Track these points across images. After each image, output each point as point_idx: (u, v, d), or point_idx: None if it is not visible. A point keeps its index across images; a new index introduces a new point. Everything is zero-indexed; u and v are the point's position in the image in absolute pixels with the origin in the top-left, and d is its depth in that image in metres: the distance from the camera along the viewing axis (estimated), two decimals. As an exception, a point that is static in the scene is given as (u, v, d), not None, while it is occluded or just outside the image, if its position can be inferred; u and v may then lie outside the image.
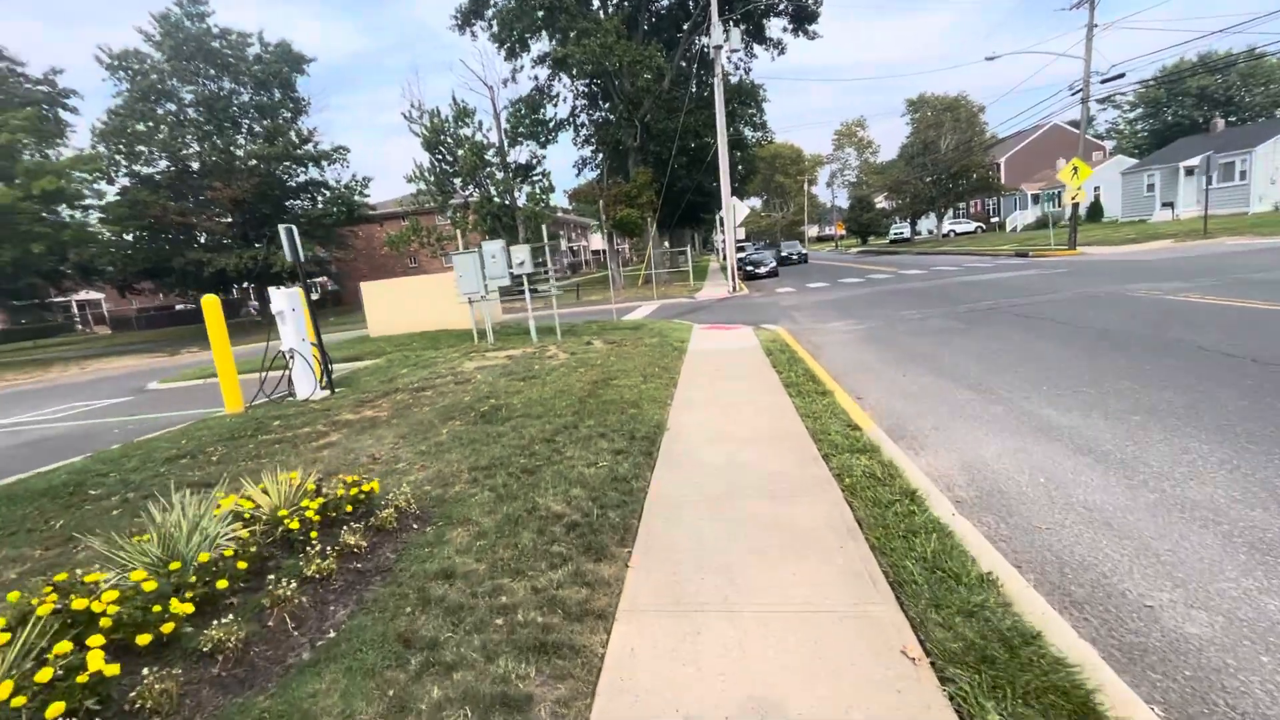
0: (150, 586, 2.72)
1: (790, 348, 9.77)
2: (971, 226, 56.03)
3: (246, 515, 3.54)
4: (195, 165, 28.79)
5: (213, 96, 27.92)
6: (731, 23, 28.77)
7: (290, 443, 6.04)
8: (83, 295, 49.34)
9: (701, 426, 5.83)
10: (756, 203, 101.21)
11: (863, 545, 3.34)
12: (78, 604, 2.57)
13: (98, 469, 5.62)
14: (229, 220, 28.24)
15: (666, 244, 44.36)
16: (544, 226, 11.34)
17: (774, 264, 31.79)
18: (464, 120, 27.37)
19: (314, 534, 3.39)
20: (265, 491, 3.72)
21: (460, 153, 27.12)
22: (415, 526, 3.91)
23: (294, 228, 7.99)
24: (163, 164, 28.17)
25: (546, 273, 11.60)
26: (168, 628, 2.59)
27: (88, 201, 24.50)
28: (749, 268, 31.03)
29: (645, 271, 29.06)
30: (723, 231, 47.28)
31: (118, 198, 26.00)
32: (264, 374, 8.19)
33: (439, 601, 3.00)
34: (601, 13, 30.04)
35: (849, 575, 3.07)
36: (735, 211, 24.55)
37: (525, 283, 11.47)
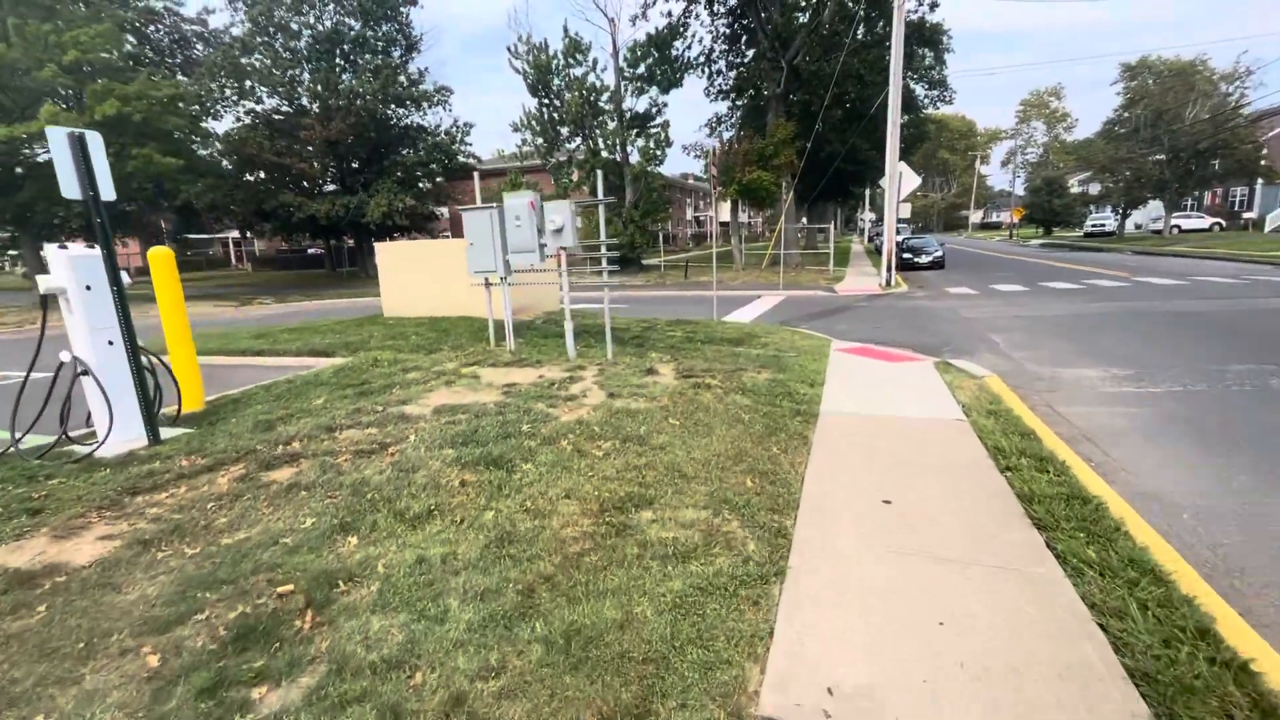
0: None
1: (1036, 439, 4.71)
2: (1206, 223, 43.65)
3: None
4: (306, 103, 27.45)
5: (321, 30, 26.14)
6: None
7: None
8: (235, 234, 52.60)
9: None
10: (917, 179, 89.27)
11: None
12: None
13: None
14: (326, 164, 26.67)
15: (804, 220, 38.22)
16: (599, 178, 6.98)
17: (939, 252, 25.12)
18: (575, 57, 23.40)
19: None
20: None
21: (568, 96, 23.25)
22: None
23: (87, 134, 4.25)
24: (272, 101, 27.17)
25: (602, 251, 7.23)
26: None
27: (198, 136, 23.83)
28: (906, 255, 24.65)
29: (773, 251, 23.80)
30: (869, 209, 39.89)
31: (224, 136, 25.33)
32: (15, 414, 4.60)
33: None
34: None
35: None
36: (902, 180, 18.57)
37: (562, 262, 7.18)
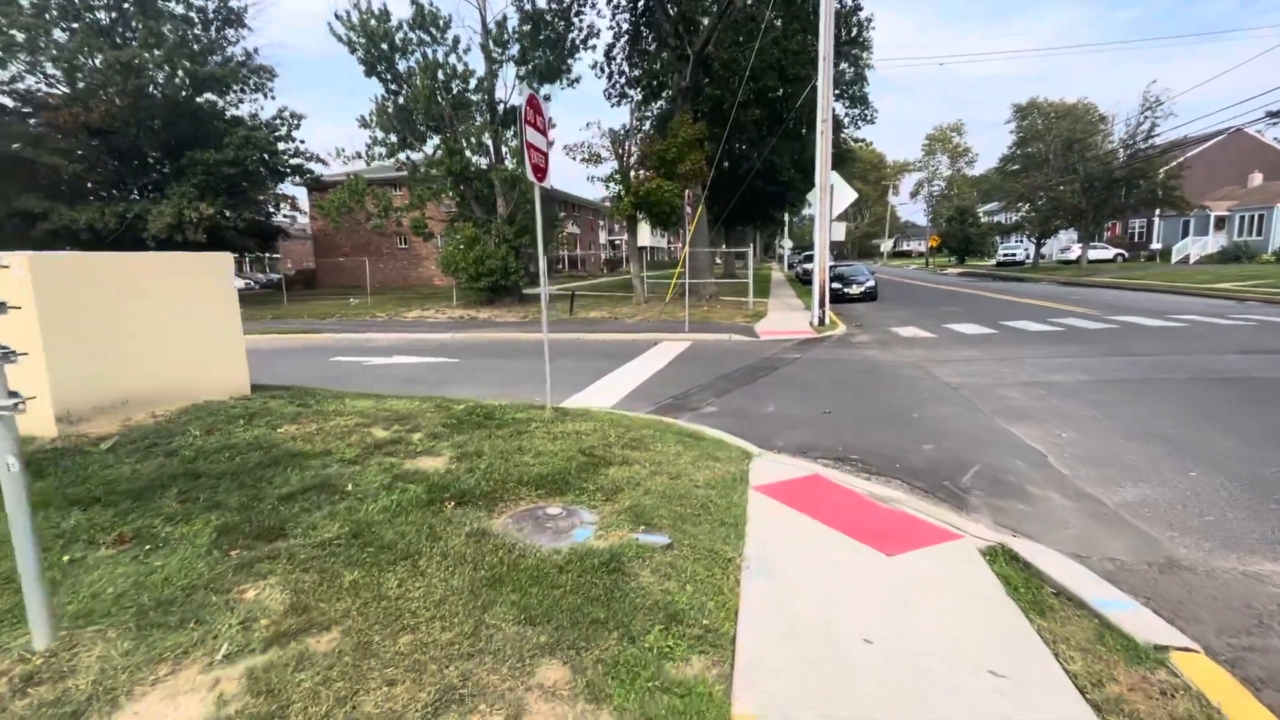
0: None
1: None
2: (1111, 253, 43.80)
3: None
4: (93, 83, 20.81)
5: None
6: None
7: None
8: None
9: None
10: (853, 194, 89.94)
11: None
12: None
13: None
14: (97, 161, 20.00)
15: (722, 245, 34.43)
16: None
17: (871, 282, 21.69)
18: (429, 32, 18.37)
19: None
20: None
21: (418, 81, 18.12)
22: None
23: None
24: (29, 77, 20.40)
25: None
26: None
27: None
28: (835, 285, 20.93)
29: (678, 279, 19.42)
30: (788, 236, 36.94)
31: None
32: None
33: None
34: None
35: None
36: (834, 194, 14.64)
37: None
